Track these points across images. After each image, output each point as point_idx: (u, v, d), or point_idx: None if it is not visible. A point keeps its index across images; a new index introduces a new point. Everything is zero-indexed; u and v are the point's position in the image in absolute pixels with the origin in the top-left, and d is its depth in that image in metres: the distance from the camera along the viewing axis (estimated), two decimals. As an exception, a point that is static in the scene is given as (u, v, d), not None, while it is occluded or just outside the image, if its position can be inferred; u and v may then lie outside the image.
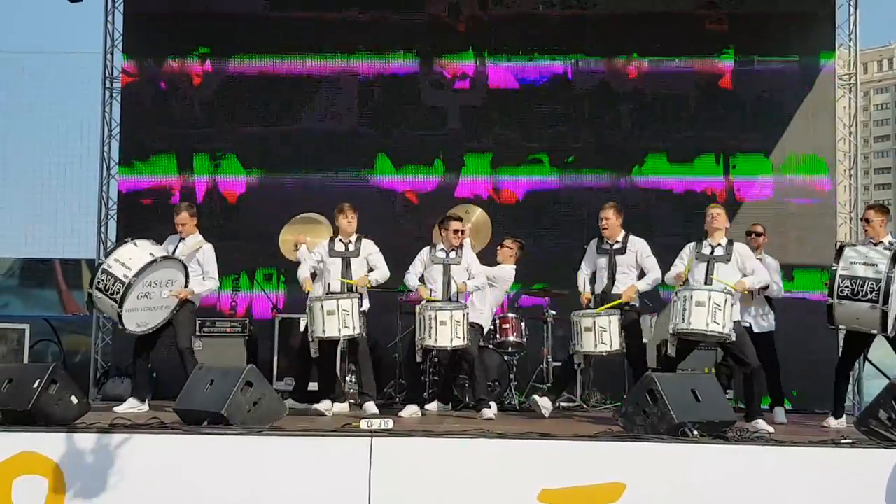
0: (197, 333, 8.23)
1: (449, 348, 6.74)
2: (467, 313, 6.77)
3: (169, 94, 9.40)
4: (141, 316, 6.73)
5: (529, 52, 9.23)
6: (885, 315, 6.21)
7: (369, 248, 6.99)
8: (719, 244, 6.52)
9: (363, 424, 5.29)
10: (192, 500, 5.03)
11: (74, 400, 5.69)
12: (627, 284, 6.79)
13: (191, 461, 5.10)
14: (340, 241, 6.96)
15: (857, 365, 8.43)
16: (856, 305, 6.27)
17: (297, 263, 7.40)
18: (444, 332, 6.60)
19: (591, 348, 6.62)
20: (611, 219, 6.86)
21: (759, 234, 7.37)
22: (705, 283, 6.40)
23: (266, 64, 9.31)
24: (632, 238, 6.92)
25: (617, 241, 6.89)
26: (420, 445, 5.19)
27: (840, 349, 7.04)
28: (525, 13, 9.29)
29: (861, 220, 6.88)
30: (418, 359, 6.81)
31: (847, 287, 6.27)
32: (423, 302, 6.83)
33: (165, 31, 9.38)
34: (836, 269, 6.33)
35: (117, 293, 6.57)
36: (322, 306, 6.59)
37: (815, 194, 9.00)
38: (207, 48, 9.36)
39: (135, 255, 6.68)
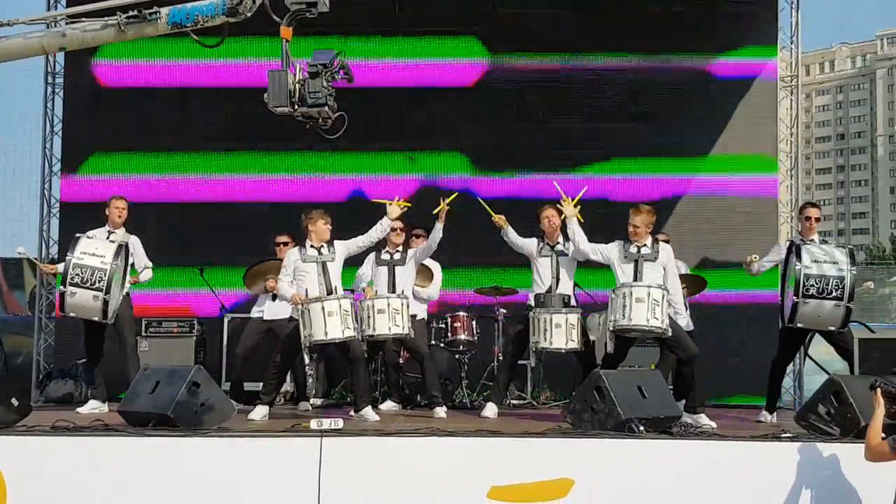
0: (143, 334, 8.10)
1: (389, 336, 6.69)
2: (407, 304, 6.74)
3: (113, 89, 9.21)
4: (112, 304, 6.65)
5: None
6: (848, 312, 6.26)
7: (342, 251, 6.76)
8: (645, 244, 6.60)
9: (313, 424, 5.27)
10: (137, 503, 4.96)
11: (15, 402, 5.57)
12: (570, 286, 6.90)
13: (136, 464, 5.02)
14: (312, 246, 6.67)
15: (797, 361, 8.65)
16: (821, 303, 6.27)
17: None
18: (382, 319, 6.57)
19: (561, 344, 6.61)
20: (554, 219, 6.92)
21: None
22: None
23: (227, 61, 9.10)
24: (568, 243, 6.98)
25: (558, 243, 6.96)
26: (370, 445, 5.19)
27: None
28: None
29: (803, 217, 6.91)
30: (364, 354, 6.76)
31: (813, 286, 6.25)
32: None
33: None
34: (800, 268, 6.29)
35: (100, 281, 6.49)
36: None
37: (758, 193, 9.16)
38: (153, 43, 9.18)
39: (97, 245, 6.65)
